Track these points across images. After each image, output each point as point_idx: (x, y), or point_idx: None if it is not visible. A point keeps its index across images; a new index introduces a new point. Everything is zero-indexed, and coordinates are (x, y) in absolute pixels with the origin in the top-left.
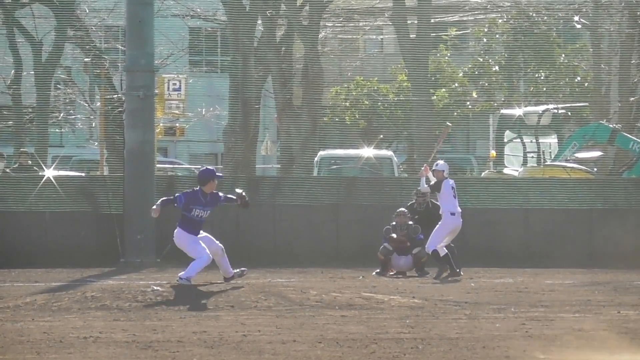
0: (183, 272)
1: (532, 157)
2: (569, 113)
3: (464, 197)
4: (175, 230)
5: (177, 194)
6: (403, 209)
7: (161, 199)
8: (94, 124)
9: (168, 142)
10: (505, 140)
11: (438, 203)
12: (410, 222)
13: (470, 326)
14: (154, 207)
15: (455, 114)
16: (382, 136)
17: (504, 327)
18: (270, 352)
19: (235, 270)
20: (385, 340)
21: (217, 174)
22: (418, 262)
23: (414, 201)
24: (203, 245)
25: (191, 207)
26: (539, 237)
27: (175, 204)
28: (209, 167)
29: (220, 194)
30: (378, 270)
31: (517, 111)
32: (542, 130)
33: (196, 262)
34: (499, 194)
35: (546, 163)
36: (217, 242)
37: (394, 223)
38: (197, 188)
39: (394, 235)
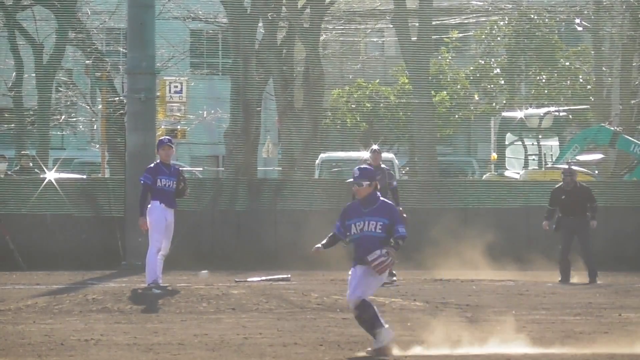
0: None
1: (534, 159)
2: (570, 116)
3: (466, 199)
4: (149, 205)
5: (141, 180)
6: (376, 147)
7: (140, 204)
8: (95, 126)
9: None
10: (507, 142)
11: (586, 185)
12: (384, 166)
13: (471, 329)
14: (141, 219)
15: (457, 116)
16: (382, 139)
17: (505, 330)
18: (271, 355)
19: (152, 284)
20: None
21: (167, 142)
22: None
23: (561, 183)
24: (162, 238)
25: (157, 179)
26: (540, 239)
27: (149, 184)
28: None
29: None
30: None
31: (519, 114)
32: (543, 132)
33: (149, 264)
34: (500, 197)
35: (547, 166)
36: (169, 243)
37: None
38: (158, 161)
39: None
